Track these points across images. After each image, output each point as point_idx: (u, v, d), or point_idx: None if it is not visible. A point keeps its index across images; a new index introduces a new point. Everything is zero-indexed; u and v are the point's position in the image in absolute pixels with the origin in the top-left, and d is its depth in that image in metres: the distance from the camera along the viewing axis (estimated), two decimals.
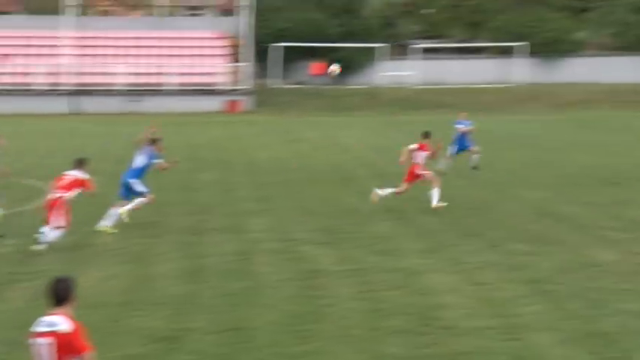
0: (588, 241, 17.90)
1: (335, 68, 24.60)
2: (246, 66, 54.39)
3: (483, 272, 15.40)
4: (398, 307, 13.30)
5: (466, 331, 12.24)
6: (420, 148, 21.37)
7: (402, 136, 39.94)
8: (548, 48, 61.38)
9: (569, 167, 29.06)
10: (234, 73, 54.45)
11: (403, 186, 21.37)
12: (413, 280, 14.86)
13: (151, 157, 19.02)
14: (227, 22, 59.02)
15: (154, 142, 19.22)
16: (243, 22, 55.85)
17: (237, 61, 55.04)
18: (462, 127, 28.44)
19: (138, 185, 18.83)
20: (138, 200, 18.92)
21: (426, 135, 21.76)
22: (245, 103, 52.95)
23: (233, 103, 52.53)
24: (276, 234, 18.67)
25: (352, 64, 61.14)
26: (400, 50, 64.15)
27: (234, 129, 42.08)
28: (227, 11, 62.63)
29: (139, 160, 18.96)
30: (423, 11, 68.06)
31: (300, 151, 33.60)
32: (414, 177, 21.32)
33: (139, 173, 18.91)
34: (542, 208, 21.42)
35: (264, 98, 53.85)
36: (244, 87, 53.58)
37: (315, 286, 14.58)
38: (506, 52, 61.36)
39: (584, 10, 68.89)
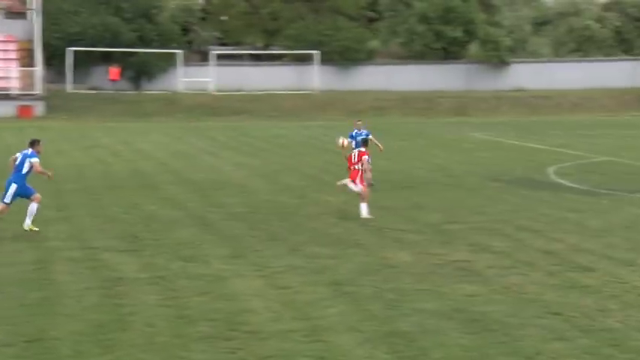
0: (386, 243, 18.48)
1: (342, 141, 23.87)
2: (38, 70, 52.73)
3: (287, 276, 15.61)
4: (203, 313, 13.28)
5: (271, 334, 12.37)
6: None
7: (202, 142, 39.93)
8: (342, 56, 62.92)
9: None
10: (26, 77, 52.68)
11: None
12: (218, 286, 14.88)
13: (28, 156, 18.93)
14: (16, 25, 57.02)
15: (33, 143, 19.15)
16: (32, 26, 54.08)
17: (28, 65, 53.26)
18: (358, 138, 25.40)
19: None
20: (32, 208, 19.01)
21: (365, 143, 22.42)
22: (38, 108, 51.33)
23: (26, 108, 50.82)
24: (76, 242, 18.23)
25: (150, 69, 60.53)
26: (199, 56, 64.05)
27: (28, 135, 40.61)
28: (16, 14, 60.49)
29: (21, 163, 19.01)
30: (221, 18, 68.20)
31: (99, 158, 32.92)
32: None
33: (25, 176, 19.03)
34: (343, 212, 21.93)
35: (59, 103, 52.40)
36: (36, 92, 51.93)
37: (117, 294, 14.34)
38: (303, 60, 62.39)
39: (376, 19, 71.08)
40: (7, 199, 18.91)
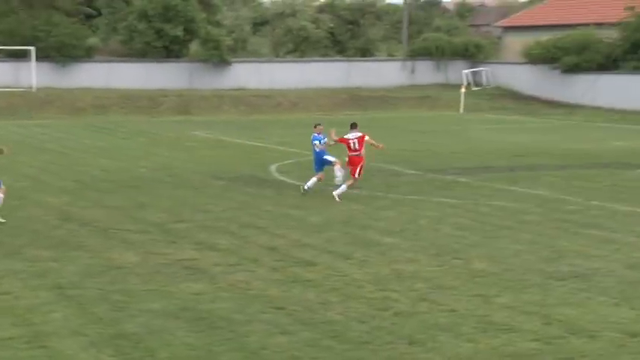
0: (111, 244, 18.19)
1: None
2: None
3: (5, 281, 15.00)
4: None
5: None
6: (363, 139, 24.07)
7: None
8: (59, 52, 61.07)
9: (90, 171, 29.29)
10: None
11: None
12: None
13: None
14: None
15: None
16: None
17: None
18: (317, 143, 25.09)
19: None
20: None
21: (355, 125, 24.39)
22: None
23: None
24: None
25: None
26: None
27: None
28: None
29: None
30: None
31: None
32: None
33: None
34: (65, 213, 21.36)
35: None
36: None
37: None
38: (18, 56, 60.00)
39: (94, 16, 69.65)
40: None
